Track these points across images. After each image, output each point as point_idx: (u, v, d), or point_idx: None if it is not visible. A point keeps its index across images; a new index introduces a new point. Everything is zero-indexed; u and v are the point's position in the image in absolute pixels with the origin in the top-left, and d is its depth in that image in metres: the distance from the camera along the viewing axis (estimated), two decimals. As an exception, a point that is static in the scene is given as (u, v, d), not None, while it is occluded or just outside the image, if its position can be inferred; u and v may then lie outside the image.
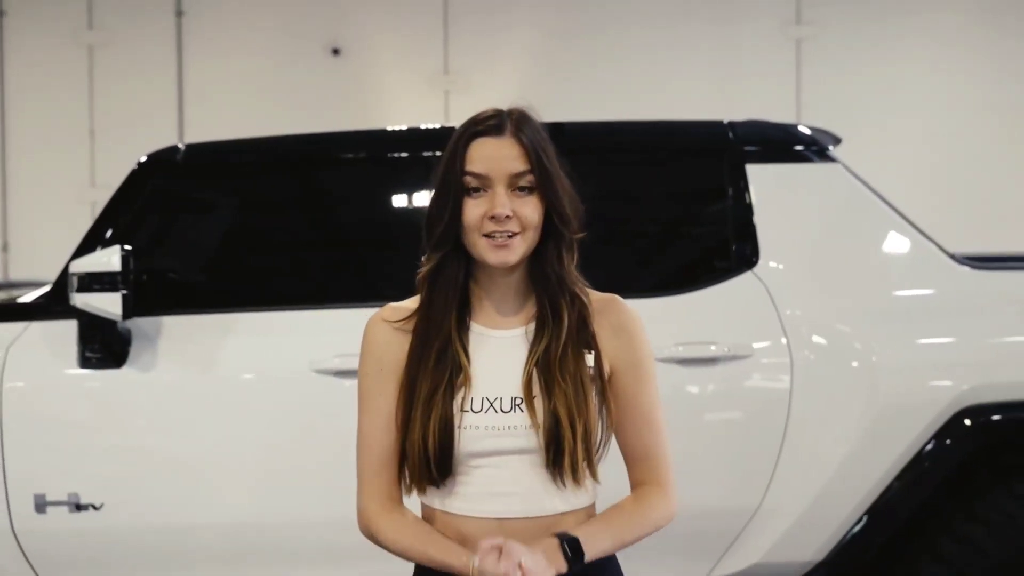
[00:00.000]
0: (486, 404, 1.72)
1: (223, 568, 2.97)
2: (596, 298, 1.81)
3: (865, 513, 2.93)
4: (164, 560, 2.96)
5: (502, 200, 1.68)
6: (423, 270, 1.75)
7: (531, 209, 1.70)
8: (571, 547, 1.67)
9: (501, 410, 1.72)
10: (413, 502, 1.83)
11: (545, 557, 1.65)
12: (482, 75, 8.64)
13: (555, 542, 1.68)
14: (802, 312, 2.96)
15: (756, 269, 3.01)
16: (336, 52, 8.91)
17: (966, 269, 3.05)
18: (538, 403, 1.70)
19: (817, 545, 2.96)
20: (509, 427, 1.71)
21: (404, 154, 3.20)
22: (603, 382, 1.75)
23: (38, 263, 8.58)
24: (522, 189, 1.70)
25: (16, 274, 8.81)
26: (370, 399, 1.77)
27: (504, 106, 1.74)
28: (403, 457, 1.75)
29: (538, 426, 1.70)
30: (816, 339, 2.94)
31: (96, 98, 8.97)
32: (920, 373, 2.93)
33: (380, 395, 1.76)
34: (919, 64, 8.62)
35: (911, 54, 8.62)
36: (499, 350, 1.76)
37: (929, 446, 2.90)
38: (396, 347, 1.75)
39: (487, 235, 1.69)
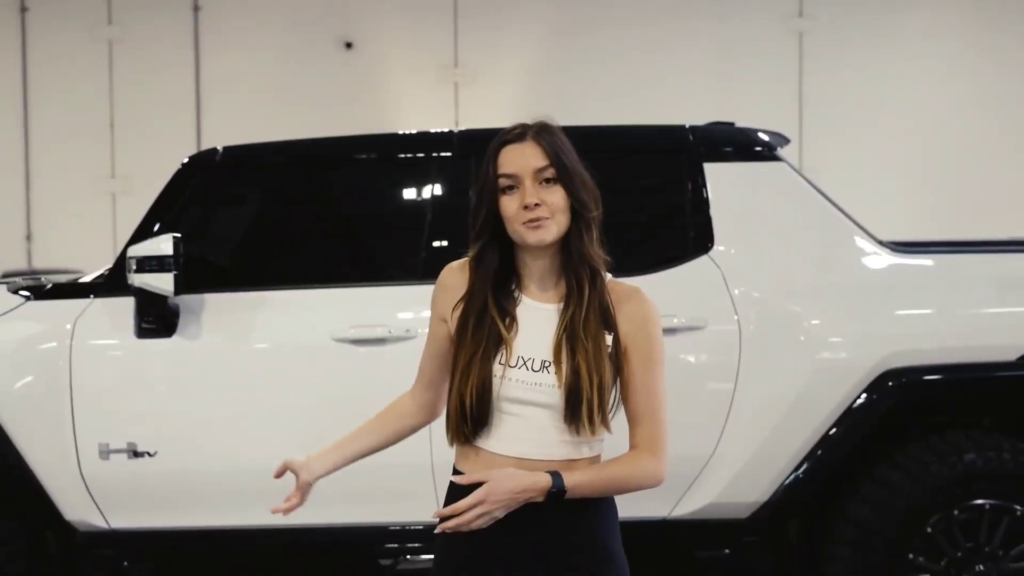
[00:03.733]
0: (520, 362, 2.14)
1: (258, 506, 3.56)
2: (622, 288, 2.21)
3: (803, 460, 3.56)
4: (208, 498, 3.60)
5: (530, 191, 2.12)
6: (469, 255, 2.23)
7: (556, 196, 2.13)
8: (555, 477, 2.11)
9: (532, 369, 2.14)
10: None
11: (528, 482, 2.08)
12: (490, 69, 9.18)
13: (544, 475, 2.10)
14: (750, 290, 3.59)
15: (711, 253, 3.63)
16: (349, 46, 9.40)
17: (889, 253, 3.68)
18: (564, 367, 2.11)
19: (763, 487, 3.58)
20: (536, 384, 2.13)
21: (411, 155, 3.81)
22: (618, 358, 2.16)
23: (60, 252, 9.21)
24: (547, 181, 2.14)
25: (39, 262, 9.37)
26: (430, 330, 2.32)
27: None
28: (448, 415, 2.20)
29: (561, 386, 2.10)
30: (761, 312, 3.56)
31: (115, 92, 9.49)
32: (850, 341, 3.56)
33: (432, 330, 2.31)
34: (919, 56, 9.13)
35: (911, 47, 9.13)
36: (538, 319, 2.18)
37: (858, 401, 3.53)
38: (448, 297, 2.24)
39: (524, 223, 2.13)
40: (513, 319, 2.18)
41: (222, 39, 9.49)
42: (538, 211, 2.12)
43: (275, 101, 9.29)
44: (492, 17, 9.23)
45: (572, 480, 2.13)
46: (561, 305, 2.18)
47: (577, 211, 2.16)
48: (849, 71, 9.11)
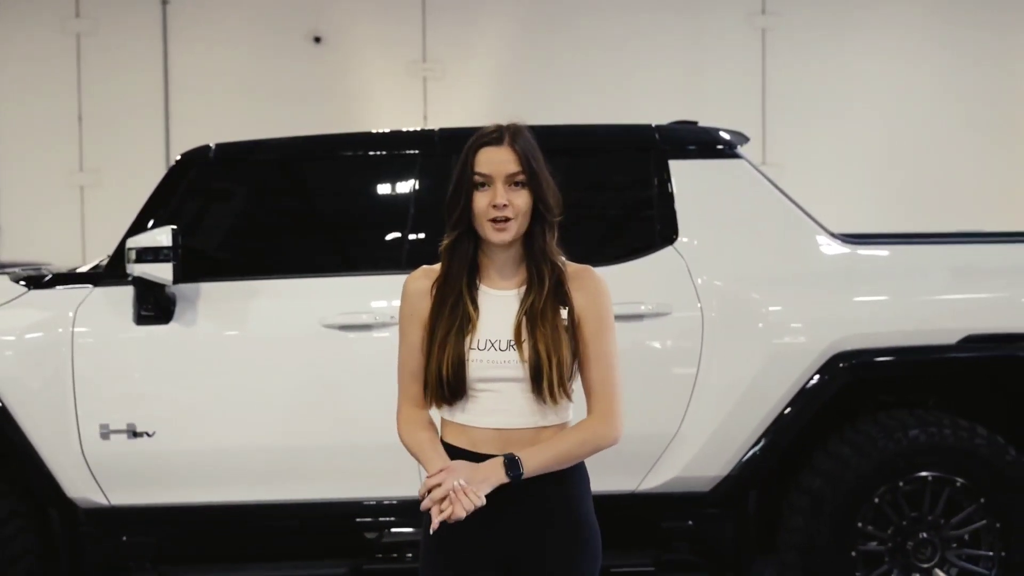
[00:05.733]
0: (488, 344, 2.41)
1: (250, 483, 3.88)
2: (573, 267, 2.49)
3: (761, 437, 3.88)
4: (203, 476, 3.86)
5: (500, 193, 2.39)
6: (444, 244, 2.47)
7: (522, 200, 2.40)
8: (511, 462, 2.36)
9: (499, 349, 2.41)
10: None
11: (485, 472, 2.33)
12: (459, 63, 9.39)
13: (499, 459, 2.35)
14: (711, 279, 3.91)
15: (676, 245, 3.95)
16: (317, 40, 9.56)
17: (841, 244, 4.01)
18: (526, 345, 2.38)
19: (723, 462, 3.90)
20: (504, 361, 2.40)
21: (396, 152, 4.08)
22: (574, 330, 2.43)
23: (29, 245, 9.36)
24: (516, 184, 2.41)
25: (8, 255, 9.50)
26: (407, 334, 2.52)
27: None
28: (426, 382, 2.46)
29: (525, 361, 2.38)
30: (722, 300, 3.88)
31: (84, 85, 9.61)
32: (804, 325, 3.89)
33: (413, 331, 2.50)
34: (880, 52, 9.43)
35: (873, 42, 9.44)
36: (499, 305, 2.45)
37: (812, 382, 3.86)
38: (425, 298, 2.48)
39: (491, 220, 2.39)
40: (477, 307, 2.45)
41: (190, 32, 9.60)
42: (505, 211, 2.39)
43: (243, 94, 9.42)
44: (461, 12, 9.42)
45: (530, 464, 2.38)
46: (521, 290, 2.46)
47: (541, 213, 2.46)
48: (812, 67, 9.40)
